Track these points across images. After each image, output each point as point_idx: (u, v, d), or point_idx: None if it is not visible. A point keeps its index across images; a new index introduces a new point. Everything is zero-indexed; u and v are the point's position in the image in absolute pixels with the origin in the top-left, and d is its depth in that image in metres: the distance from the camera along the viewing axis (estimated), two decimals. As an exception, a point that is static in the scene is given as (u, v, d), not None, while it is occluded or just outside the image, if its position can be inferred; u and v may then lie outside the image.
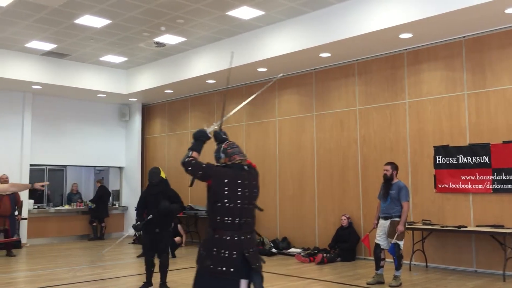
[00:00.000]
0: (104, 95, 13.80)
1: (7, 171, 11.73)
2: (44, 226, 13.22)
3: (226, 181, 3.75)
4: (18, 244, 11.91)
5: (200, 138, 4.03)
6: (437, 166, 8.74)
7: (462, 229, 8.00)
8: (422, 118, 9.03)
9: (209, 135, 4.09)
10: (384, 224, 7.34)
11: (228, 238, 3.68)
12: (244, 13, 9.22)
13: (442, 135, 8.75)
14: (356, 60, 10.03)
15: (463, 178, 8.39)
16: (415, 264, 8.75)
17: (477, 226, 8.13)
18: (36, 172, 13.86)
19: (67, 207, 13.97)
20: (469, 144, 8.39)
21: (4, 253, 10.85)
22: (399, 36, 8.59)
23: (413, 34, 8.46)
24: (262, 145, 11.75)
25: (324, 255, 9.44)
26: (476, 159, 8.27)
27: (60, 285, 7.65)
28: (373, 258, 7.58)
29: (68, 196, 14.81)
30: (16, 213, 11.22)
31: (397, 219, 7.21)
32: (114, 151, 14.98)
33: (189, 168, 3.77)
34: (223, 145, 4.01)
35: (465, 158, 8.40)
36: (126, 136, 15.30)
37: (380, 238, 7.34)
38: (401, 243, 7.23)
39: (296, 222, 10.88)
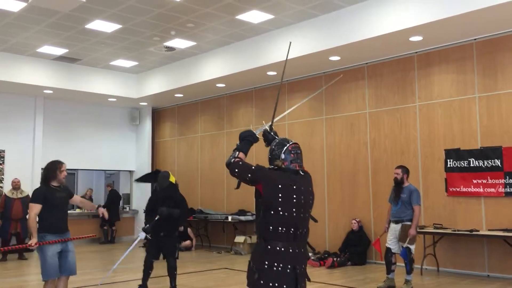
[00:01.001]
0: (115, 99, 13.89)
1: (19, 174, 11.84)
2: (55, 229, 13.28)
3: (280, 186, 3.34)
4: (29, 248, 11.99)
5: (247, 138, 3.60)
6: (448, 169, 8.68)
7: (474, 233, 7.92)
8: (433, 121, 8.97)
9: (258, 136, 3.68)
10: (395, 228, 7.28)
11: (282, 249, 3.27)
12: (254, 17, 9.23)
13: (453, 138, 8.68)
14: (366, 63, 10.00)
15: (475, 181, 8.32)
16: (426, 269, 8.68)
17: (489, 230, 8.05)
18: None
19: (78, 210, 14.05)
20: (480, 147, 8.33)
21: (16, 256, 10.94)
22: (410, 39, 8.55)
23: (424, 36, 8.42)
24: (272, 149, 11.71)
25: (335, 259, 9.40)
26: (487, 163, 8.19)
27: (71, 288, 7.67)
28: (383, 262, 7.54)
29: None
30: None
31: (408, 223, 7.15)
32: (125, 155, 15.05)
33: (236, 170, 3.37)
34: (288, 145, 3.52)
35: (476, 162, 8.33)
36: (136, 140, 15.37)
37: (391, 242, 7.29)
38: (412, 247, 7.18)
39: (306, 226, 10.83)
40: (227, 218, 11.77)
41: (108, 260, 10.56)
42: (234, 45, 10.86)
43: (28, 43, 10.80)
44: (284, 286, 3.20)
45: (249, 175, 3.37)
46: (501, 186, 8.02)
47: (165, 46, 11.02)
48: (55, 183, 5.52)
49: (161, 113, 15.29)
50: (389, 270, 7.32)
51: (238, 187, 3.54)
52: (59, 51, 11.39)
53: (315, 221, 3.59)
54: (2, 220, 10.76)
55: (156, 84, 13.07)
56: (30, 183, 12.70)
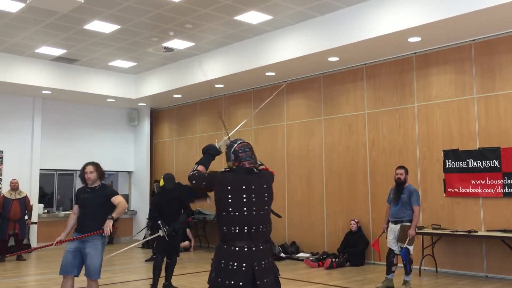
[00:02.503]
0: (113, 100, 13.88)
1: (17, 175, 11.82)
2: (53, 230, 13.22)
3: (229, 188, 3.52)
4: (28, 248, 11.99)
5: (208, 152, 3.82)
6: (446, 170, 8.69)
7: (472, 233, 7.94)
8: (431, 122, 8.98)
9: (220, 149, 3.87)
10: (394, 228, 7.28)
11: (237, 248, 3.43)
12: (252, 17, 9.24)
13: (451, 139, 8.70)
14: (365, 64, 10.01)
15: (473, 182, 8.33)
16: (425, 269, 8.69)
17: (487, 230, 8.06)
18: (46, 177, 13.94)
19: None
20: (479, 148, 8.34)
21: (14, 257, 10.93)
22: (408, 40, 8.56)
23: (422, 37, 8.43)
24: (271, 150, 11.75)
25: (333, 259, 9.40)
26: (486, 163, 8.20)
27: (70, 289, 7.66)
28: (382, 262, 7.55)
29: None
30: (26, 217, 11.28)
31: (408, 223, 7.15)
32: (123, 156, 15.04)
33: (193, 181, 3.62)
34: (235, 145, 3.72)
35: (475, 162, 8.34)
36: (135, 141, 15.36)
37: (392, 242, 7.28)
38: (411, 248, 7.18)
39: (305, 227, 10.85)
40: (225, 218, 11.74)
41: (106, 261, 10.53)
42: (232, 45, 10.86)
43: (26, 43, 10.79)
44: (240, 284, 3.36)
45: (204, 182, 3.60)
46: (499, 187, 8.03)
47: (164, 46, 11.01)
48: (88, 184, 5.69)
49: (159, 113, 15.28)
50: (389, 271, 7.31)
51: (206, 198, 3.77)
52: (58, 51, 11.38)
53: (278, 216, 3.75)
54: (0, 220, 10.74)
55: (155, 85, 13.07)
56: (29, 184, 12.71)
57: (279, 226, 11.34)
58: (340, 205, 10.24)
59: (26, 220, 11.28)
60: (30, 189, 12.60)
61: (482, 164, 8.25)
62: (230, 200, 3.49)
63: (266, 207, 3.60)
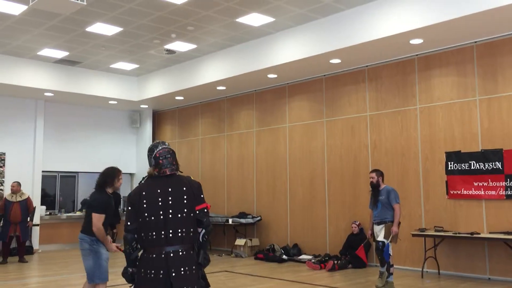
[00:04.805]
0: (115, 102, 13.89)
1: (19, 177, 11.82)
2: (56, 232, 13.29)
3: (144, 193, 3.34)
4: (30, 250, 12.01)
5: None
6: (449, 172, 8.67)
7: (475, 236, 7.91)
8: (434, 124, 8.97)
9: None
10: (377, 228, 7.48)
11: (154, 255, 3.25)
12: (254, 19, 9.24)
13: (453, 141, 8.68)
14: (367, 66, 10.00)
15: (476, 184, 8.31)
16: (427, 271, 8.66)
17: (490, 232, 8.04)
18: (48, 179, 13.96)
19: (78, 213, 14.03)
20: (481, 150, 8.32)
21: (17, 259, 10.94)
22: (410, 42, 8.55)
23: (424, 39, 8.43)
24: (272, 152, 11.74)
25: (335, 262, 9.39)
26: (488, 165, 8.19)
27: (72, 291, 7.67)
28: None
29: (82, 202, 14.86)
30: (29, 219, 11.29)
31: (391, 223, 7.35)
32: (125, 158, 15.05)
33: (129, 229, 3.34)
34: (156, 151, 3.48)
35: (477, 164, 8.32)
36: (137, 143, 15.38)
37: (379, 238, 7.41)
38: (390, 250, 7.29)
39: (307, 229, 10.84)
40: (227, 220, 11.76)
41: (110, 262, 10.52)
42: (234, 48, 10.86)
43: (29, 46, 10.81)
44: None
45: (130, 218, 3.34)
46: (502, 189, 8.00)
47: (166, 49, 11.03)
48: (110, 190, 5.46)
49: (161, 115, 15.30)
50: (383, 263, 7.37)
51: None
52: (60, 54, 11.40)
53: (204, 219, 3.42)
54: (2, 223, 10.75)
55: (157, 87, 13.08)
56: (31, 186, 12.72)
57: (281, 228, 11.34)
58: (342, 207, 10.22)
59: (28, 222, 11.28)
60: (32, 191, 12.61)
61: (484, 166, 8.23)
62: (145, 205, 3.30)
63: (186, 210, 3.34)
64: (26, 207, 11.12)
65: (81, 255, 5.36)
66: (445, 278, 8.34)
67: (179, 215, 3.32)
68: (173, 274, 3.21)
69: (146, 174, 3.52)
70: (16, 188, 11.03)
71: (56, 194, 14.74)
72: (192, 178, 3.54)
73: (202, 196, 3.48)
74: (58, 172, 14.33)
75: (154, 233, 3.27)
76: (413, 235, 8.53)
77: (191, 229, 3.35)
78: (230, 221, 11.71)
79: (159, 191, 3.35)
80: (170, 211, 3.31)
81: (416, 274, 8.55)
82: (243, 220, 11.60)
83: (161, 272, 3.21)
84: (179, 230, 3.30)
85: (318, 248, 10.53)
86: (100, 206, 5.22)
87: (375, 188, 7.54)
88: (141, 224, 3.30)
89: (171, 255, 3.25)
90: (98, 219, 5.19)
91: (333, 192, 10.42)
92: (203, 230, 3.43)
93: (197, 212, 3.40)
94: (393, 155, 9.48)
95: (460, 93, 8.67)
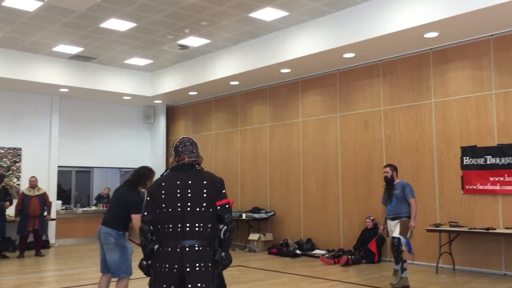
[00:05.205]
0: (129, 98, 13.98)
1: (35, 172, 11.97)
2: (71, 226, 13.44)
3: (163, 184, 3.35)
4: (46, 244, 12.17)
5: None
6: (464, 167, 8.59)
7: (490, 231, 7.84)
8: (449, 118, 8.88)
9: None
10: (391, 224, 7.31)
11: (169, 249, 3.22)
12: (268, 14, 9.22)
13: (469, 136, 8.59)
14: (381, 60, 9.93)
15: (492, 179, 8.22)
16: (442, 267, 8.61)
17: (506, 228, 7.95)
18: (63, 174, 14.11)
19: (93, 208, 14.18)
20: (497, 144, 8.22)
21: (33, 253, 11.09)
22: (424, 36, 8.47)
23: (439, 33, 8.34)
24: (286, 146, 11.73)
25: (349, 256, 9.37)
26: (505, 160, 8.09)
27: (87, 284, 7.76)
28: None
29: (97, 197, 15.03)
30: (46, 213, 11.44)
31: (406, 218, 7.18)
32: (140, 153, 15.14)
33: (146, 220, 3.36)
34: (176, 142, 3.53)
35: (493, 159, 8.23)
36: (151, 138, 15.47)
37: (394, 233, 7.26)
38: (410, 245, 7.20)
39: (321, 224, 10.83)
40: (241, 215, 11.79)
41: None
42: (248, 42, 10.85)
43: (43, 42, 10.91)
44: (172, 287, 3.17)
45: (147, 209, 3.36)
46: (518, 184, 7.91)
47: (179, 44, 11.05)
48: (140, 189, 5.54)
49: (175, 111, 15.35)
50: (397, 260, 7.27)
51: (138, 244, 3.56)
52: (74, 49, 11.49)
53: (226, 216, 3.35)
54: (20, 217, 10.90)
55: (170, 82, 13.13)
56: (47, 181, 12.87)
57: (294, 223, 11.34)
58: (356, 202, 10.19)
59: (45, 216, 11.43)
60: (48, 186, 12.76)
61: (500, 161, 8.14)
62: (163, 196, 3.30)
63: (205, 204, 3.29)
64: (44, 201, 11.27)
65: (104, 249, 5.37)
66: (460, 273, 8.29)
67: (198, 209, 3.27)
68: (188, 269, 3.16)
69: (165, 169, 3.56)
70: (35, 182, 11.19)
71: (72, 189, 14.91)
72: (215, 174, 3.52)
73: (224, 191, 3.43)
74: (73, 167, 14.49)
75: (170, 226, 3.23)
76: (428, 230, 8.48)
77: (209, 224, 3.27)
78: (244, 216, 11.73)
79: (178, 182, 3.33)
80: (189, 204, 3.27)
81: (430, 270, 8.50)
82: (256, 215, 11.62)
83: (175, 266, 3.18)
84: (197, 224, 3.24)
85: (331, 243, 10.51)
86: (139, 207, 5.26)
87: (389, 182, 7.43)
88: (158, 216, 3.28)
89: (187, 249, 3.20)
90: (139, 219, 5.23)
91: (346, 187, 10.39)
92: (225, 227, 3.36)
93: (218, 207, 3.34)
94: (407, 150, 9.41)
95: (476, 87, 8.57)
